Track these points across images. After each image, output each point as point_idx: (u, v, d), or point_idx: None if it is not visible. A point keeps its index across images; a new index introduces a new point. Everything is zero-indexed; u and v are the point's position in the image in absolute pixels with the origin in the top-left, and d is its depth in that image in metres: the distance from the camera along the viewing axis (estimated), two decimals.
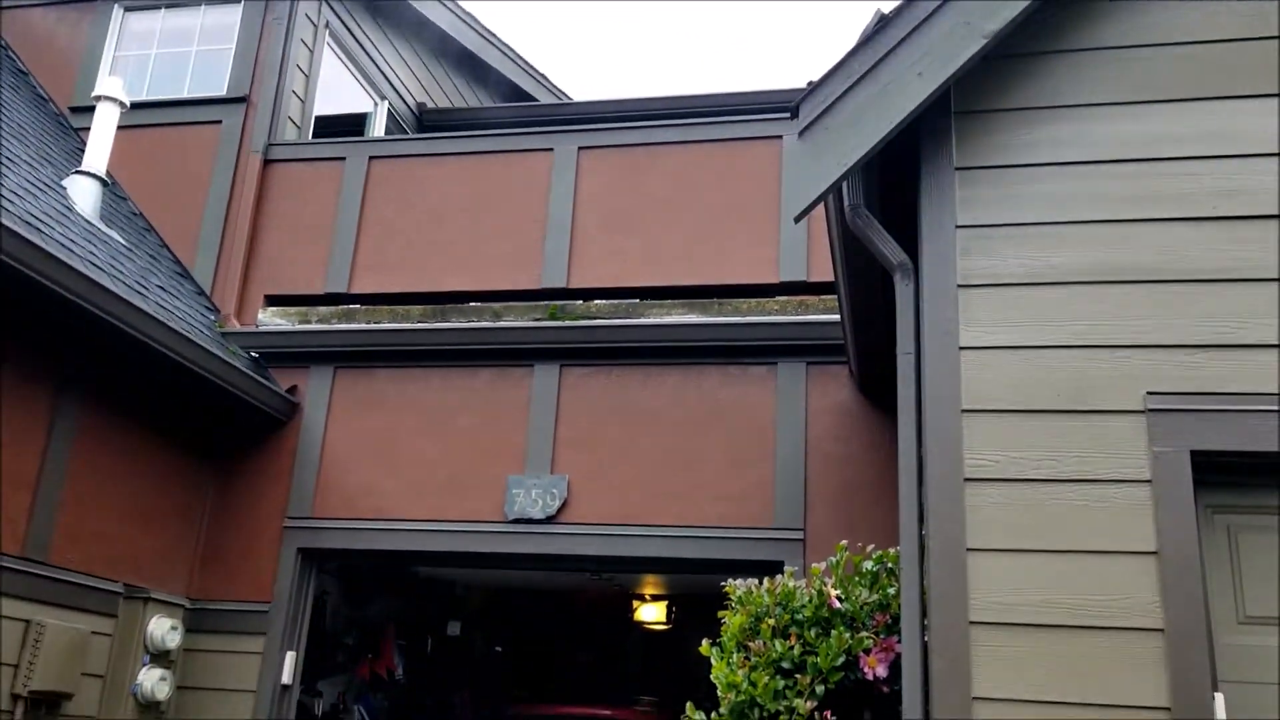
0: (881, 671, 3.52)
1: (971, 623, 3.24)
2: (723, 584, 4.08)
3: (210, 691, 6.57)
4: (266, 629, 6.63)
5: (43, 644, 5.49)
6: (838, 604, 3.62)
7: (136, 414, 6.39)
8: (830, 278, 6.19)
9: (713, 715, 3.61)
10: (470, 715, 10.02)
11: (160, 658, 6.24)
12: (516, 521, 6.56)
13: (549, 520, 6.54)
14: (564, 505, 6.55)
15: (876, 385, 6.02)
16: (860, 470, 6.21)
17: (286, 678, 6.58)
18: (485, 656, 10.40)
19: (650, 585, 9.05)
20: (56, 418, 5.81)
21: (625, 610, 11.84)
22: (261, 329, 7.40)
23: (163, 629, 6.19)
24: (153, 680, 6.09)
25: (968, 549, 3.32)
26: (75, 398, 5.93)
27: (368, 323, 7.32)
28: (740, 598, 3.81)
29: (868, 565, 3.73)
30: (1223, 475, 3.34)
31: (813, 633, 3.58)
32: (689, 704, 3.72)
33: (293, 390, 7.16)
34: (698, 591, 10.52)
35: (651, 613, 9.82)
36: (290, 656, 6.63)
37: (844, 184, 3.80)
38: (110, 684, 6.05)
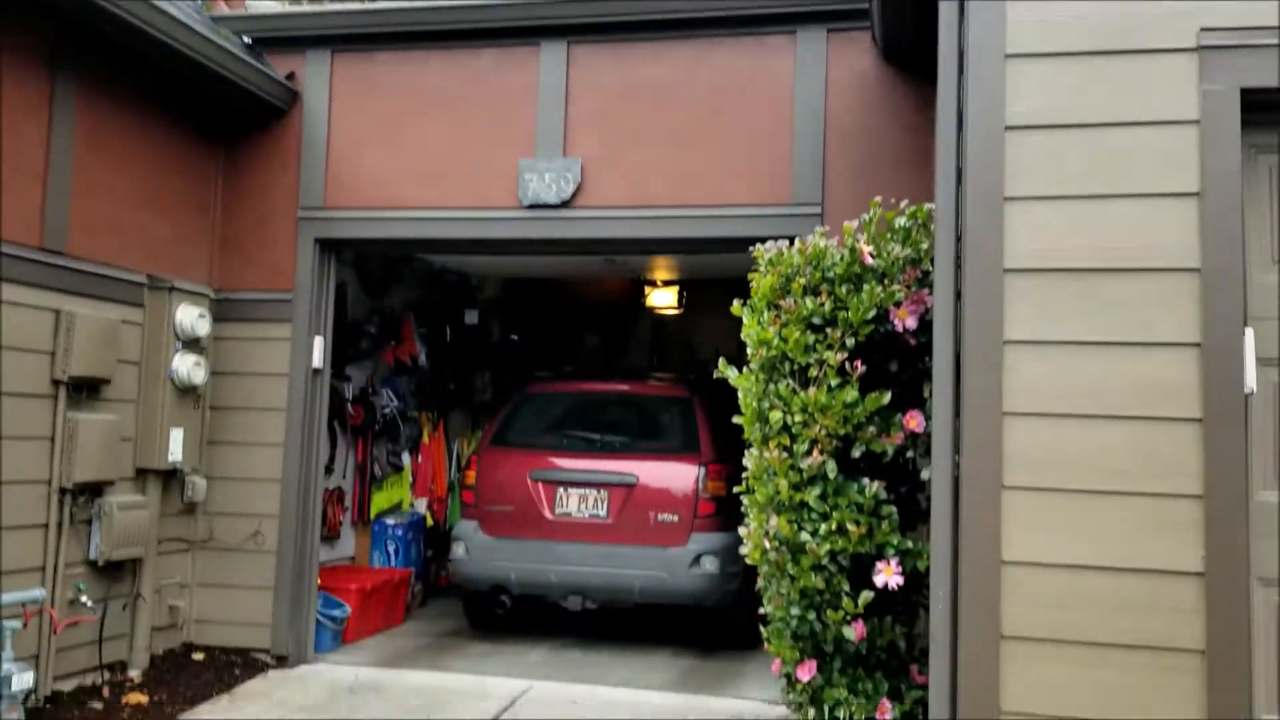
0: (911, 323, 3.58)
1: (1006, 270, 3.26)
2: (751, 248, 4.08)
3: (244, 376, 6.79)
4: (292, 316, 6.75)
5: (75, 332, 5.60)
6: (870, 260, 3.63)
7: (134, 102, 6.19)
8: None
9: (743, 370, 3.72)
10: (491, 395, 10.43)
11: (191, 345, 6.39)
12: (531, 207, 6.51)
13: (563, 205, 6.48)
14: (578, 189, 6.47)
15: (902, 49, 5.77)
16: (881, 142, 6.08)
17: (317, 361, 6.78)
18: (501, 343, 10.69)
19: (662, 271, 9.13)
20: (55, 106, 5.63)
21: (636, 297, 12.04)
22: (252, 12, 7.05)
23: (191, 317, 6.29)
24: (187, 366, 6.26)
25: (1005, 198, 3.28)
26: (71, 85, 5.72)
27: (363, 1, 6.95)
28: (771, 259, 3.82)
29: (900, 221, 3.71)
30: (1270, 114, 3.24)
31: (844, 289, 3.61)
32: (721, 359, 3.82)
33: (290, 77, 6.90)
34: (707, 277, 10.65)
35: (663, 298, 9.98)
36: (318, 341, 6.79)
37: None
38: (146, 370, 6.23)
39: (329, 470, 7.69)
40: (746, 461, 3.84)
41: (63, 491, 5.62)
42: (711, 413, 7.59)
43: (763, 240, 6.32)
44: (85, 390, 5.78)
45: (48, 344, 5.56)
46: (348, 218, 6.76)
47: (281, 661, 6.58)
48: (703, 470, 7.13)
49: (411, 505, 9.13)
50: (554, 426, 7.76)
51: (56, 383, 5.59)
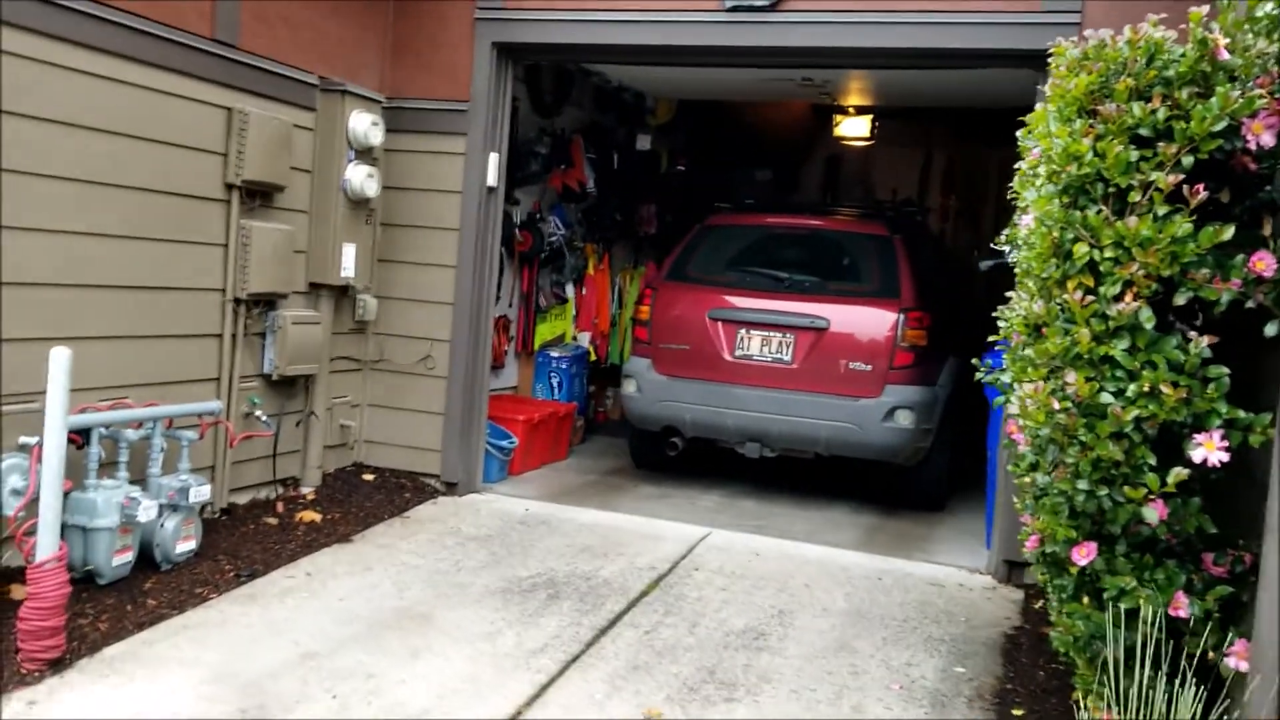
0: (1268, 140, 2.83)
1: None
2: (1048, 45, 3.35)
3: (414, 192, 6.39)
4: (467, 129, 6.27)
5: (248, 133, 5.23)
6: (1225, 55, 2.87)
7: None
8: None
9: (1043, 193, 3.05)
10: (655, 228, 9.91)
11: (364, 154, 5.99)
12: (734, 9, 5.78)
13: (771, 7, 5.73)
14: None
15: None
16: None
17: (491, 179, 6.32)
18: (668, 173, 10.07)
19: (857, 94, 8.24)
20: None
21: (812, 129, 11.23)
22: None
23: (364, 124, 5.87)
24: (360, 177, 5.87)
25: None
26: None
27: None
28: (1087, 53, 3.08)
29: (1267, 8, 2.91)
30: None
31: (1184, 93, 2.88)
32: (1017, 178, 3.14)
33: None
34: (894, 107, 9.75)
35: (855, 127, 9.10)
36: (494, 159, 6.32)
37: None
38: (318, 179, 5.87)
39: (495, 296, 7.32)
40: (1033, 306, 3.18)
41: (236, 302, 5.37)
42: (912, 254, 6.91)
43: (1000, 56, 5.52)
44: (258, 197, 5.45)
45: (220, 144, 5.21)
46: (529, 19, 6.15)
47: (451, 488, 6.39)
48: (902, 317, 6.49)
49: (574, 338, 8.78)
50: (736, 262, 7.19)
51: (229, 187, 5.27)
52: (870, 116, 9.10)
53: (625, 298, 9.57)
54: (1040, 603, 5.11)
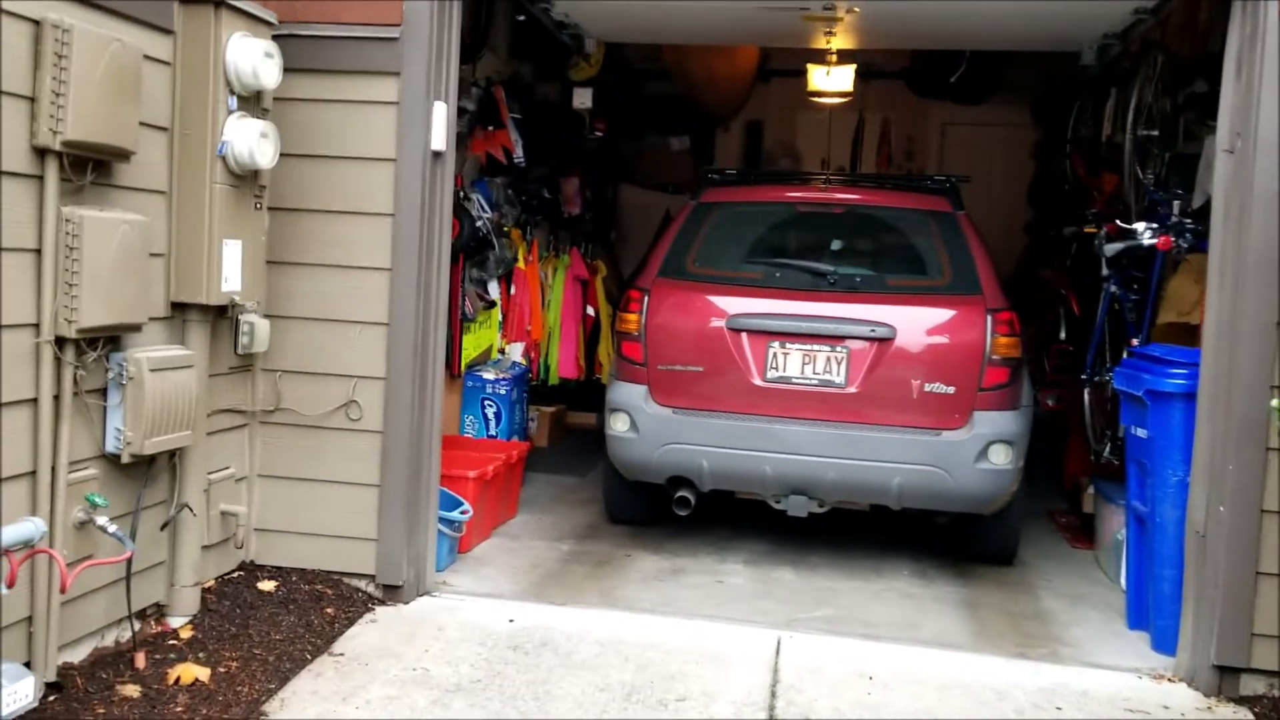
0: None
1: None
2: None
3: (323, 160, 4.34)
4: (400, 66, 4.26)
5: (69, 61, 3.11)
6: None
7: None
8: None
9: None
10: (579, 208, 8.08)
11: (250, 102, 3.91)
12: None
13: None
14: None
15: None
16: None
17: (438, 142, 4.34)
18: (588, 138, 8.24)
19: (864, 34, 6.40)
20: None
21: (745, 89, 9.67)
22: None
23: (252, 56, 3.78)
24: (250, 138, 3.79)
25: None
26: None
27: None
28: None
29: None
30: None
31: None
32: None
33: None
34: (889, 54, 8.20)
35: (841, 79, 7.43)
36: (440, 110, 4.34)
37: None
38: (182, 141, 3.76)
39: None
40: None
41: (60, 343, 3.25)
42: (982, 236, 5.35)
43: None
44: (90, 170, 3.32)
45: (23, 82, 3.07)
46: None
47: (392, 593, 4.41)
48: (990, 320, 4.92)
49: (502, 351, 6.84)
50: (756, 251, 5.42)
51: (41, 152, 3.14)
52: (854, 66, 7.46)
53: (548, 295, 7.67)
54: None
